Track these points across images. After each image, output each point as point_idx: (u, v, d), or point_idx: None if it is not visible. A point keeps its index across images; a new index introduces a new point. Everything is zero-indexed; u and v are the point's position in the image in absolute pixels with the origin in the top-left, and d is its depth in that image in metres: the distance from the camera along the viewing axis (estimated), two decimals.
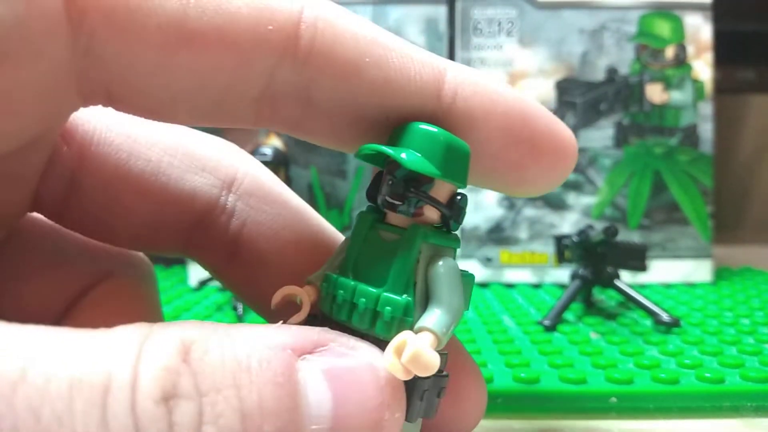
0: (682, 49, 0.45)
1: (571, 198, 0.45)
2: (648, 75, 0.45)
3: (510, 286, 0.44)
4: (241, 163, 0.20)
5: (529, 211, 0.45)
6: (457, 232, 0.17)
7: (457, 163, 0.16)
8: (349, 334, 0.15)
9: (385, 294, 0.15)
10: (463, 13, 0.45)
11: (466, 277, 0.17)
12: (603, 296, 0.38)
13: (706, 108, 0.46)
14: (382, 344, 0.14)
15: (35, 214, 0.19)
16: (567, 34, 0.45)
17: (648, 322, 0.32)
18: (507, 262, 0.45)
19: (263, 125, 0.16)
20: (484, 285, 0.44)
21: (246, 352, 0.12)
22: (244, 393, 0.12)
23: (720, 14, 0.46)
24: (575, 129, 0.45)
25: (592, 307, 0.36)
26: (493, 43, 0.45)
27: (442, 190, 0.16)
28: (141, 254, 0.21)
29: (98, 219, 0.19)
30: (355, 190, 0.45)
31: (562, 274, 0.44)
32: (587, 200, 0.45)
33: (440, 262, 0.16)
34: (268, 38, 0.14)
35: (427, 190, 0.16)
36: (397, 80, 0.16)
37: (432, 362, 0.14)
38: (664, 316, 0.31)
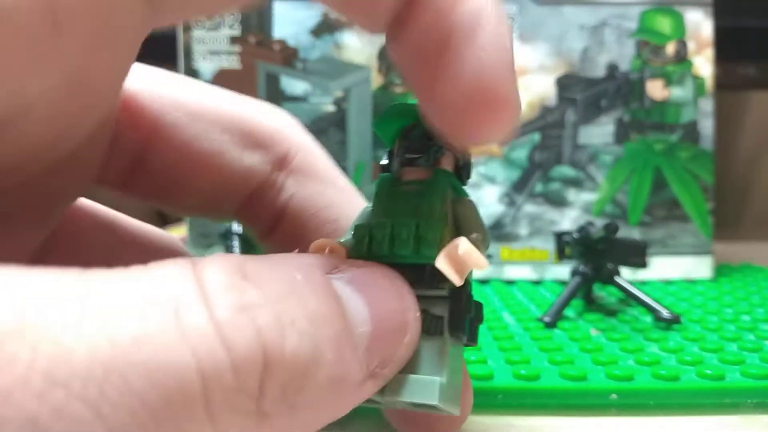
0: (682, 45, 0.45)
1: (572, 195, 0.45)
2: (649, 71, 0.45)
3: (510, 282, 0.44)
4: (294, 138, 0.21)
5: (530, 208, 0.45)
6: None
7: None
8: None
9: (424, 221, 0.16)
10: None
11: None
12: (603, 293, 0.38)
13: (707, 104, 0.45)
14: (423, 269, 0.15)
15: (91, 205, 0.20)
16: (567, 30, 0.45)
17: (648, 319, 0.32)
18: (507, 258, 0.45)
19: None
20: (484, 281, 0.44)
21: (289, 268, 0.13)
22: (304, 301, 0.12)
23: (721, 10, 0.46)
24: (576, 125, 0.45)
25: (592, 304, 0.36)
26: None
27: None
28: (183, 249, 0.22)
29: (159, 193, 0.20)
30: (356, 183, 0.45)
31: (563, 271, 0.44)
32: (588, 197, 0.45)
33: (465, 199, 0.17)
34: None
35: (440, 147, 0.17)
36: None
37: (482, 258, 0.15)
38: (665, 313, 0.31)
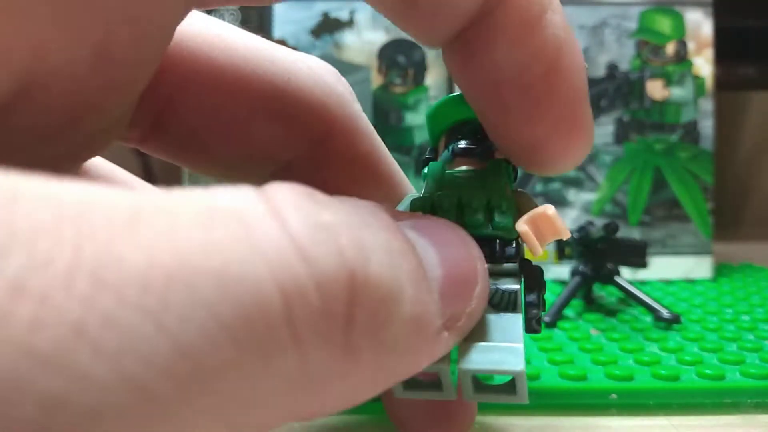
0: (682, 45, 0.45)
1: (572, 194, 0.45)
2: (648, 71, 0.45)
3: None
4: (338, 116, 0.19)
5: None
6: None
7: None
8: None
9: (495, 194, 0.15)
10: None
11: None
12: (603, 293, 0.38)
13: (707, 104, 0.45)
14: (491, 242, 0.15)
15: (112, 169, 0.19)
16: None
17: (648, 319, 0.32)
18: None
19: None
20: None
21: (356, 204, 0.12)
22: (378, 233, 0.11)
23: (721, 10, 0.46)
24: None
25: (592, 304, 0.36)
26: None
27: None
28: None
29: (181, 152, 0.19)
30: None
31: (563, 271, 0.44)
32: (587, 197, 0.45)
33: (521, 191, 0.17)
34: None
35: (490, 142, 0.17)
36: None
37: (565, 226, 0.14)
38: (665, 313, 0.31)
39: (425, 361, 0.12)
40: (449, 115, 0.17)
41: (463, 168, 0.17)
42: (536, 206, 0.15)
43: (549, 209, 0.14)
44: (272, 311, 0.09)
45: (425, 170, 0.17)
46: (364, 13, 0.44)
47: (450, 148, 0.17)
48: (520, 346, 0.14)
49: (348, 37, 0.44)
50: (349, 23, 0.44)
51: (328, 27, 0.44)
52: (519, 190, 0.17)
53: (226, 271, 0.09)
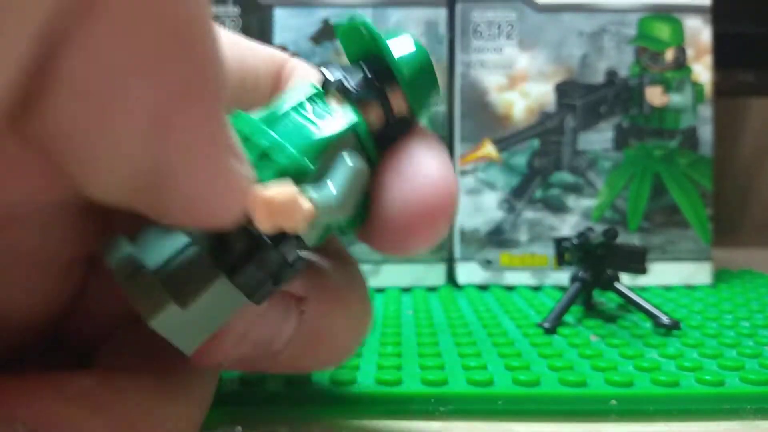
0: (681, 51, 0.45)
1: (571, 200, 0.45)
2: (648, 78, 0.45)
3: (510, 288, 0.44)
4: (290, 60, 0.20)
5: (529, 214, 0.45)
6: None
7: (426, 93, 0.16)
8: None
9: (292, 150, 0.14)
10: (462, 16, 0.45)
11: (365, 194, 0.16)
12: (603, 299, 0.38)
13: (706, 111, 0.46)
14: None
15: None
16: (567, 37, 0.45)
17: (648, 325, 0.33)
18: (507, 264, 0.45)
19: None
20: (484, 287, 0.44)
21: None
22: None
23: (719, 17, 0.46)
24: (575, 131, 0.45)
25: (591, 310, 0.36)
26: (492, 45, 0.45)
27: (398, 105, 0.16)
28: None
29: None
30: None
31: (562, 277, 0.44)
32: (587, 203, 0.45)
33: (355, 157, 0.15)
34: None
35: (387, 91, 0.16)
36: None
37: (299, 220, 0.13)
38: (664, 319, 0.31)
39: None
40: (360, 42, 0.16)
41: (326, 105, 0.16)
42: (344, 178, 0.15)
43: (284, 192, 0.13)
44: None
45: (309, 85, 0.16)
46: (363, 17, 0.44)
47: (338, 79, 0.16)
48: (177, 307, 0.13)
49: None
50: None
51: (328, 34, 0.44)
52: (356, 161, 0.15)
53: None
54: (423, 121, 0.17)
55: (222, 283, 0.13)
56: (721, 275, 0.47)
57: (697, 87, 0.45)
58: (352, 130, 0.15)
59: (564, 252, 0.36)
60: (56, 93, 0.10)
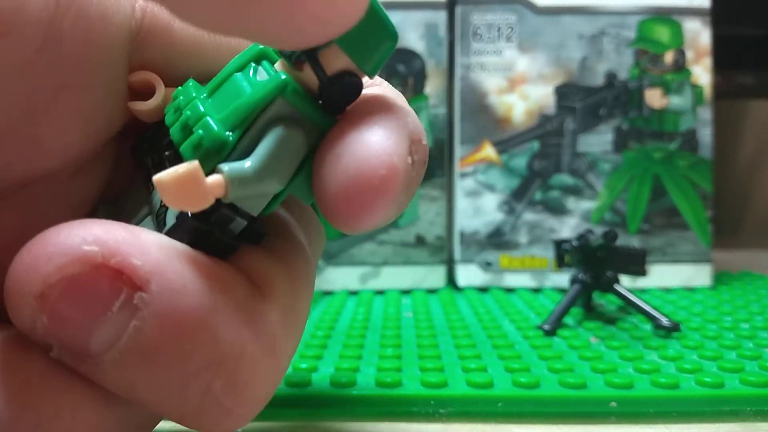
0: (681, 54, 0.46)
1: (571, 203, 0.45)
2: (647, 80, 0.45)
3: (510, 290, 0.44)
4: None
5: (529, 216, 0.45)
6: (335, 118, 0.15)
7: (371, 43, 0.14)
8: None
9: (209, 119, 0.14)
10: (462, 19, 0.45)
11: (308, 161, 0.15)
12: (603, 301, 0.38)
13: (706, 113, 0.46)
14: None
15: None
16: (566, 40, 0.45)
17: (648, 327, 0.33)
18: (507, 266, 0.45)
19: None
20: (484, 289, 0.44)
21: None
22: None
23: (719, 19, 0.46)
24: (575, 133, 0.45)
25: (591, 312, 0.36)
26: (492, 48, 0.45)
27: (335, 60, 0.14)
28: None
29: None
30: None
31: (562, 279, 0.44)
32: (587, 205, 0.45)
33: (283, 126, 0.14)
34: None
35: (319, 49, 0.14)
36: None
37: (200, 200, 0.12)
38: (664, 321, 0.31)
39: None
40: None
41: (268, 67, 0.14)
42: (270, 146, 0.14)
43: (179, 171, 0.12)
44: None
45: (251, 47, 0.15)
46: None
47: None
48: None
49: None
50: None
51: None
52: (289, 125, 0.14)
53: None
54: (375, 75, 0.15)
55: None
56: (720, 277, 0.47)
57: (696, 89, 0.46)
58: (279, 92, 0.14)
59: (564, 254, 0.36)
60: None
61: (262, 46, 0.15)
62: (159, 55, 0.16)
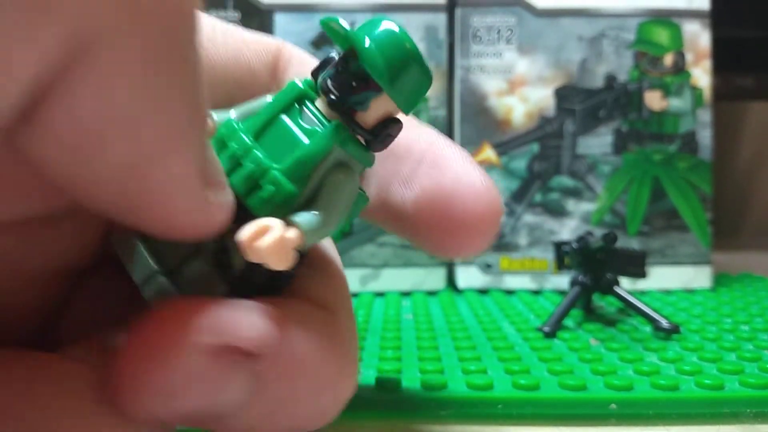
0: (680, 56, 0.46)
1: (571, 204, 0.45)
2: (647, 82, 0.45)
3: (509, 292, 0.44)
4: (286, 47, 0.21)
5: (529, 218, 0.45)
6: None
7: (414, 89, 0.15)
8: None
9: (276, 173, 0.14)
10: (462, 21, 0.45)
11: (360, 197, 0.16)
12: (602, 303, 0.38)
13: (705, 115, 0.46)
14: (248, 216, 0.14)
15: None
16: (566, 42, 0.45)
17: (647, 329, 0.33)
18: (507, 268, 0.45)
19: None
20: (483, 291, 0.44)
21: None
22: None
23: (718, 21, 0.46)
24: (574, 135, 0.45)
25: (591, 314, 0.36)
26: (492, 50, 0.45)
27: (383, 106, 0.15)
28: None
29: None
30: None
31: (562, 281, 0.44)
32: (586, 207, 0.45)
33: (342, 174, 0.15)
34: None
35: (370, 98, 0.15)
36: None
37: (288, 258, 0.13)
38: (664, 323, 0.31)
39: (180, 200, 0.12)
40: (335, 36, 0.15)
41: (315, 109, 0.15)
42: (334, 197, 0.15)
43: (272, 235, 0.13)
44: None
45: (291, 87, 0.16)
46: (363, 22, 0.44)
47: (324, 76, 0.15)
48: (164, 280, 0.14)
49: None
50: None
51: (328, 39, 0.44)
52: (348, 171, 0.15)
53: None
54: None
55: (223, 291, 0.14)
56: (720, 279, 0.47)
57: (696, 91, 0.46)
58: (337, 142, 0.15)
59: (564, 256, 0.36)
60: (44, 128, 0.10)
61: (302, 86, 0.15)
62: None
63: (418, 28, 0.44)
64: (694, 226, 0.45)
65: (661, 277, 0.45)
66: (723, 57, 0.49)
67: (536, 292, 0.44)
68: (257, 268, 0.14)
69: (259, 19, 0.44)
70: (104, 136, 0.10)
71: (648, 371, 0.26)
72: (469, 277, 0.45)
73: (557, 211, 0.45)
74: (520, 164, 0.45)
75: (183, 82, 0.11)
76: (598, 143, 0.45)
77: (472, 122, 0.45)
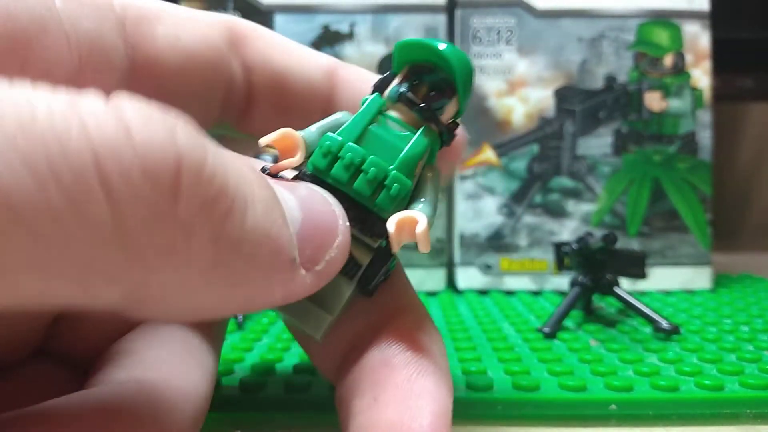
0: (680, 57, 0.46)
1: (571, 205, 0.45)
2: (646, 83, 0.46)
3: (510, 293, 0.44)
4: (242, 22, 0.21)
5: (529, 219, 0.45)
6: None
7: (469, 91, 0.18)
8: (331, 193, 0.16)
9: (396, 173, 0.16)
10: (462, 22, 0.45)
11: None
12: (602, 303, 0.38)
13: (705, 116, 0.46)
14: (369, 215, 0.16)
15: None
16: (566, 43, 0.45)
17: (647, 330, 0.33)
18: (507, 269, 0.45)
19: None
20: (483, 292, 0.44)
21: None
22: (223, 153, 0.12)
23: (718, 22, 0.46)
24: (574, 136, 0.45)
25: (591, 315, 0.36)
26: (492, 51, 0.45)
27: (451, 109, 0.18)
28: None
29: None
30: None
31: (562, 282, 0.44)
32: (586, 208, 0.45)
33: (432, 170, 0.18)
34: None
35: (445, 104, 0.18)
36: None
37: (428, 244, 0.16)
38: (664, 324, 0.31)
39: (279, 290, 0.13)
40: (420, 53, 0.18)
41: (396, 118, 0.17)
42: (435, 191, 0.17)
43: (420, 226, 0.16)
44: (79, 158, 0.09)
45: (366, 99, 0.18)
46: (364, 26, 0.44)
47: (400, 89, 0.17)
48: (329, 317, 0.16)
49: (348, 50, 0.44)
50: (349, 36, 0.44)
51: (328, 39, 0.44)
52: (435, 167, 0.18)
53: (32, 118, 0.09)
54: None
55: (353, 289, 0.17)
56: (720, 280, 0.47)
57: (696, 92, 0.46)
58: (430, 142, 0.17)
59: (563, 257, 0.36)
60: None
61: (382, 100, 0.18)
62: (150, 85, 0.18)
63: (417, 29, 0.44)
64: (693, 227, 0.45)
65: (661, 278, 0.45)
66: (723, 58, 0.49)
67: (536, 293, 0.44)
68: (378, 263, 0.17)
69: (259, 20, 0.44)
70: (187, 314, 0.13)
71: (648, 372, 0.26)
72: (469, 278, 0.45)
73: (557, 212, 0.45)
74: (520, 165, 0.45)
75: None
76: (598, 144, 0.45)
77: (472, 123, 0.45)
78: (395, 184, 0.16)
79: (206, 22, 0.20)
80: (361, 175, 0.16)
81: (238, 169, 0.12)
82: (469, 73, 0.17)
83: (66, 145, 0.09)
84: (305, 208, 0.14)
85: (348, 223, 0.15)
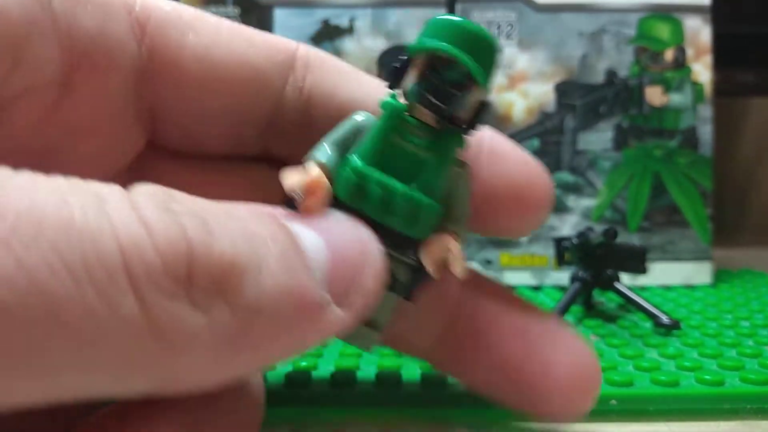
0: (681, 51, 0.45)
1: (571, 200, 0.45)
2: (647, 77, 0.45)
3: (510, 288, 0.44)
4: (300, 44, 0.20)
5: None
6: None
7: (493, 71, 0.17)
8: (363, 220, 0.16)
9: (425, 200, 0.16)
10: (462, 16, 0.45)
11: None
12: (603, 299, 0.38)
13: (706, 110, 0.46)
14: (403, 237, 0.16)
15: None
16: (566, 37, 0.45)
17: (648, 325, 0.33)
18: (507, 264, 0.45)
19: None
20: None
21: (234, 205, 0.14)
22: (241, 221, 0.13)
23: (719, 17, 0.46)
24: (575, 131, 0.45)
25: (591, 310, 0.36)
26: None
27: (475, 97, 0.16)
28: None
29: (183, 131, 0.19)
30: None
31: (562, 277, 0.44)
32: (587, 202, 0.45)
33: (464, 176, 0.17)
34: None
35: (467, 97, 0.16)
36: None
37: (464, 268, 0.17)
38: (664, 319, 0.31)
39: (312, 336, 0.14)
40: (440, 43, 0.16)
41: (416, 122, 0.16)
42: (465, 200, 0.17)
43: (452, 256, 0.16)
44: (110, 259, 0.11)
45: (385, 110, 0.16)
46: (363, 21, 0.44)
47: (420, 89, 0.16)
48: (376, 333, 0.17)
49: (348, 44, 0.44)
50: (349, 30, 0.44)
51: (328, 34, 0.44)
52: (462, 172, 0.17)
53: (70, 220, 0.10)
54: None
55: (398, 303, 0.17)
56: (721, 275, 0.47)
57: (696, 87, 0.45)
58: (456, 146, 0.17)
59: (564, 252, 0.36)
60: None
61: (402, 105, 0.16)
62: (169, 92, 0.18)
63: (418, 24, 0.44)
64: (694, 222, 0.45)
65: (662, 273, 0.45)
66: (724, 52, 0.49)
67: (536, 289, 0.44)
68: (418, 277, 0.17)
69: (258, 15, 0.44)
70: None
71: (648, 367, 0.25)
72: None
73: (557, 207, 0.45)
74: None
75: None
76: (599, 139, 0.45)
77: None
78: (425, 216, 0.16)
79: (259, 43, 0.19)
80: (390, 207, 0.16)
81: (246, 232, 0.13)
82: (492, 62, 0.16)
83: (99, 248, 0.10)
84: (332, 243, 0.14)
85: (381, 249, 0.15)
